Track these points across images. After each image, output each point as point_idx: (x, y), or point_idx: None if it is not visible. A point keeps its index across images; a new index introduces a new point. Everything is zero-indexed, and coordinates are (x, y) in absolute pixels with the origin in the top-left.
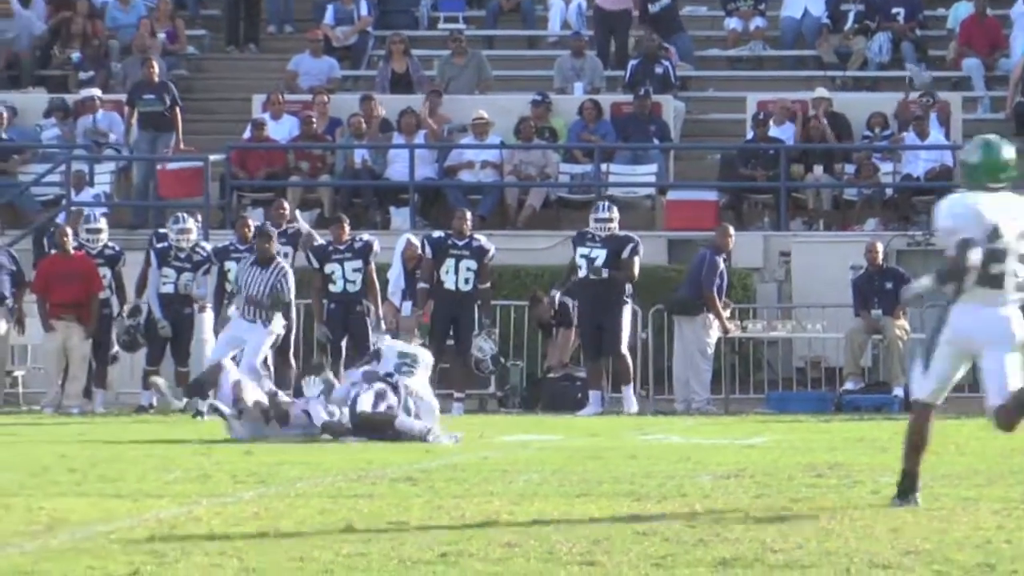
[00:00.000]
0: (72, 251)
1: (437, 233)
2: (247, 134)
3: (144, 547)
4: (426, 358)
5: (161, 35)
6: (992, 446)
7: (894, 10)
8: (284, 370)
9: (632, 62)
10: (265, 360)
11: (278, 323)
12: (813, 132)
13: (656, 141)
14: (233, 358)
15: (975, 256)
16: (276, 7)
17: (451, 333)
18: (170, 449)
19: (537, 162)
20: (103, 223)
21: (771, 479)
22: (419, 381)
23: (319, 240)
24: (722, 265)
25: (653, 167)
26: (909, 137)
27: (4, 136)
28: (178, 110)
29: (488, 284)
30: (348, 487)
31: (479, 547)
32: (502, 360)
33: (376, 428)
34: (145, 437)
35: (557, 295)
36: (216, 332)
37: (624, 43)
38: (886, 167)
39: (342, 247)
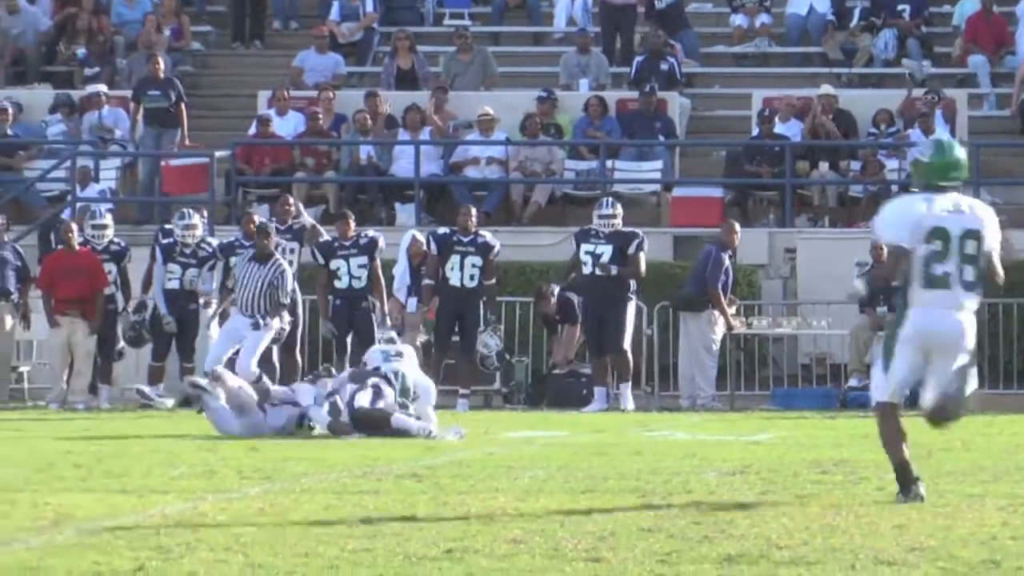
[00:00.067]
0: (77, 247)
1: (442, 229)
2: (252, 130)
3: (150, 542)
4: (408, 349)
5: (166, 31)
6: (997, 442)
7: (899, 7)
8: (290, 366)
9: (638, 58)
10: (270, 357)
11: (276, 321)
12: (819, 129)
13: (661, 138)
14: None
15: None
16: (281, 3)
17: (456, 329)
18: (176, 445)
19: (542, 158)
20: (108, 219)
21: (776, 475)
22: (408, 365)
23: (324, 235)
24: (727, 262)
25: (658, 163)
26: (915, 134)
27: (10, 132)
28: (183, 106)
29: (493, 280)
30: (353, 483)
31: (484, 543)
32: (507, 356)
33: (373, 424)
34: (150, 433)
35: (556, 290)
36: (209, 326)
37: (630, 39)
38: (891, 164)
39: (347, 243)
